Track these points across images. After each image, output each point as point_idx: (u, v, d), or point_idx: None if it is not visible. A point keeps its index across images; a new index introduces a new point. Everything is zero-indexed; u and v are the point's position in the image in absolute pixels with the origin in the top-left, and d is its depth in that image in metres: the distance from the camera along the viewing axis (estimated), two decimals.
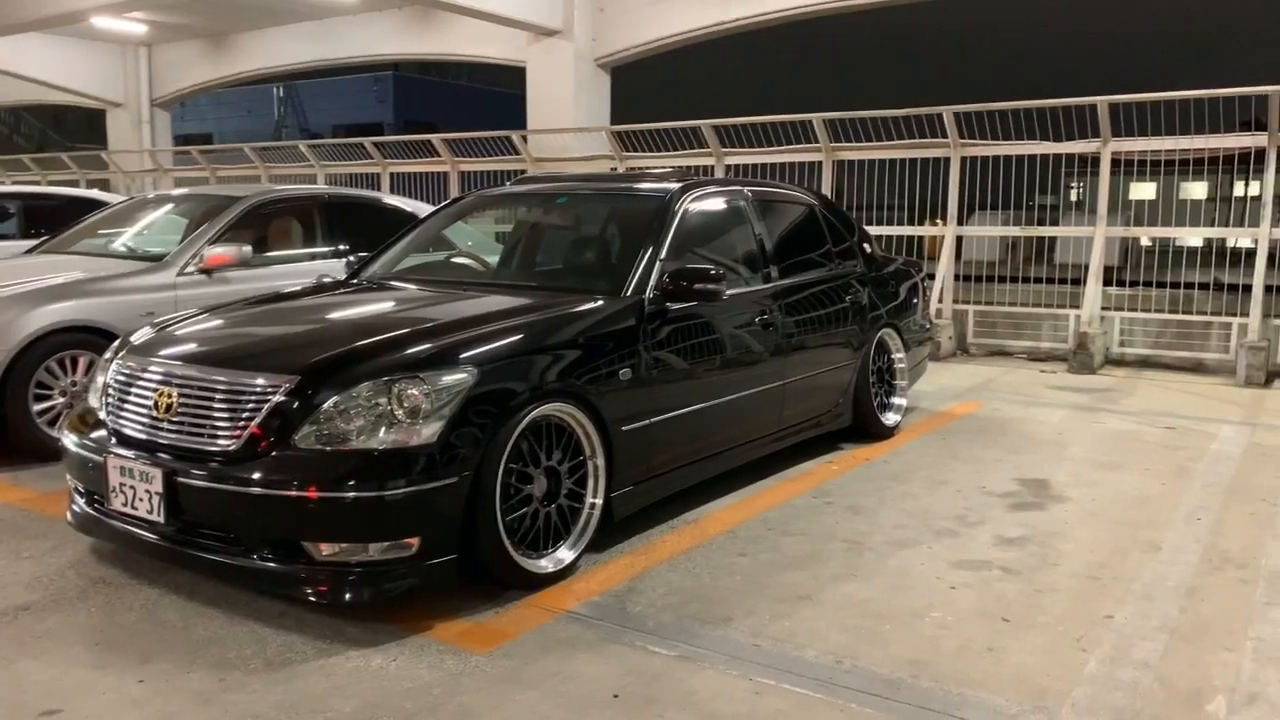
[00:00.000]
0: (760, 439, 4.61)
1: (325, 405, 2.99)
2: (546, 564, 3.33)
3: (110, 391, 3.44)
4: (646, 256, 3.99)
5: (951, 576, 3.51)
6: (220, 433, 3.05)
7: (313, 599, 2.96)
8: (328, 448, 2.95)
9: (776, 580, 3.45)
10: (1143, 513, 4.27)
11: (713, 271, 3.89)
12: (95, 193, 9.31)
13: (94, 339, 5.02)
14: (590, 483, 3.53)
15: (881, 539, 3.90)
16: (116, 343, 3.77)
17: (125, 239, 6.27)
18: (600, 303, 3.76)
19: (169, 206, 6.67)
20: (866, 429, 5.48)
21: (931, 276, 8.98)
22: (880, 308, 5.59)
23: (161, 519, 3.09)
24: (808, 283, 5.02)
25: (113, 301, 5.22)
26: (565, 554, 3.40)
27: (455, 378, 3.09)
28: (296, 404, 3.00)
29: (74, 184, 15.49)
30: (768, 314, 4.54)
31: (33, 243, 6.72)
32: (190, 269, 5.61)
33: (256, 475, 2.93)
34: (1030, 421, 6.16)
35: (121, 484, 3.20)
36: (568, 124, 12.31)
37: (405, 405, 3.01)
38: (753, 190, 4.91)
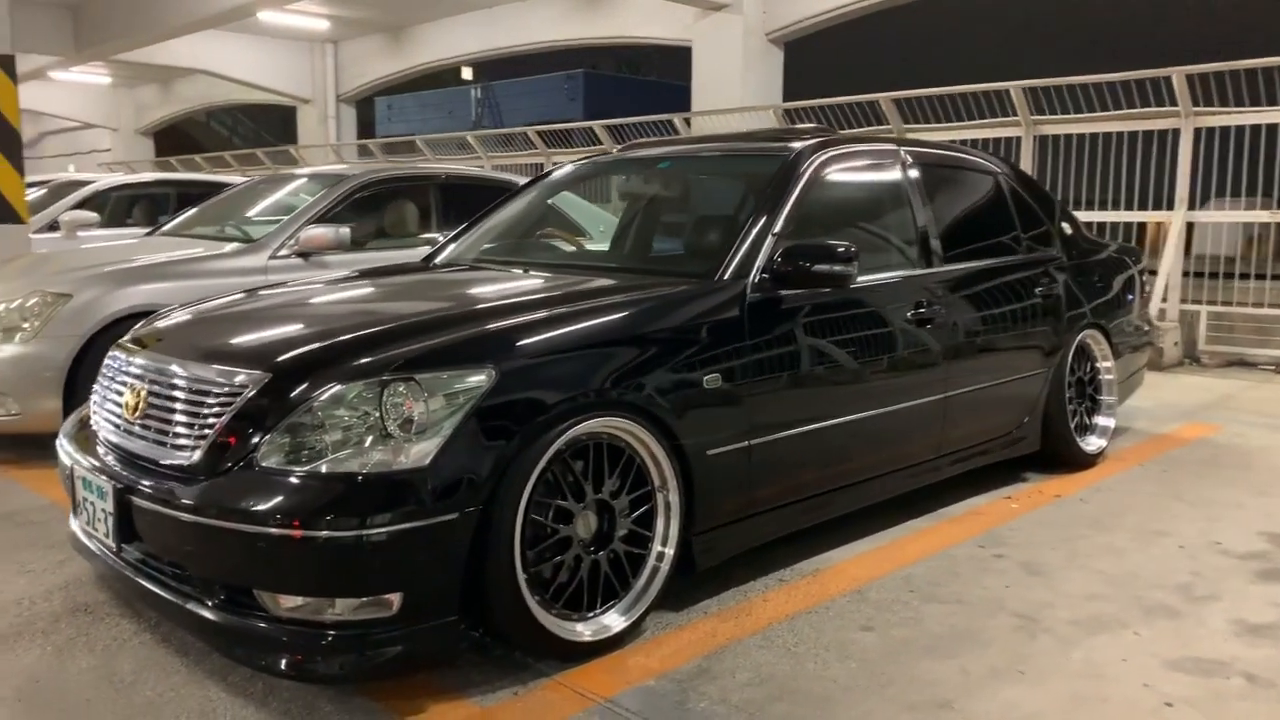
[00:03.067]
0: (911, 468, 3.61)
1: (298, 412, 2.29)
2: (585, 631, 2.50)
3: (98, 386, 2.91)
4: (756, 231, 3.09)
5: (1167, 684, 2.43)
6: (179, 442, 2.42)
7: (270, 669, 2.27)
8: (295, 467, 2.25)
9: (908, 672, 2.49)
10: None
11: (840, 249, 2.95)
12: (246, 179, 9.28)
13: None
14: (659, 523, 2.69)
15: (1066, 615, 2.84)
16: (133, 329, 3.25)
17: (236, 221, 5.93)
18: (685, 288, 2.91)
19: (289, 188, 6.31)
20: (1060, 455, 4.33)
21: (1153, 272, 7.53)
22: (1083, 304, 4.43)
23: (113, 544, 2.50)
24: (984, 270, 3.96)
25: (199, 285, 4.80)
26: (613, 619, 2.56)
27: (464, 380, 2.33)
28: (265, 408, 2.32)
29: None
30: (926, 307, 3.53)
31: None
32: (284, 251, 5.17)
33: (206, 499, 2.26)
34: None
35: (85, 499, 2.64)
36: (734, 104, 11.42)
37: (398, 415, 2.28)
38: (912, 153, 3.89)
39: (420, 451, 2.23)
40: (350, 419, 2.29)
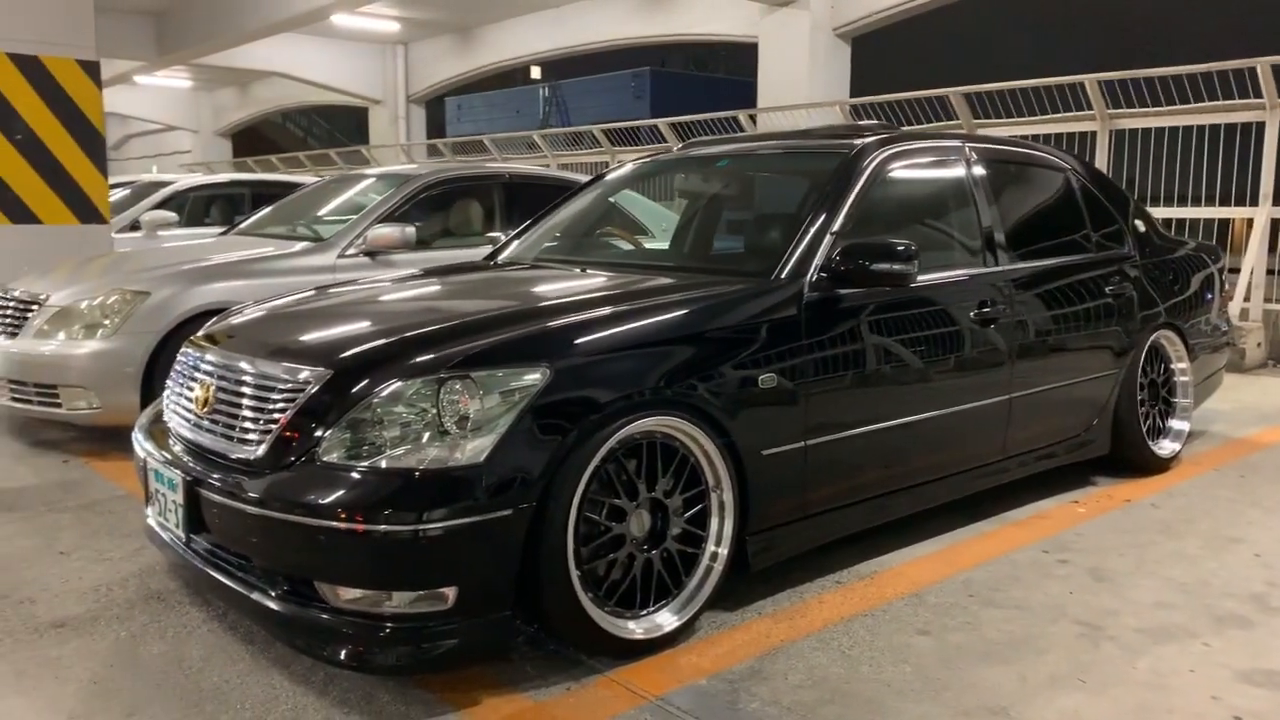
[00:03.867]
0: (974, 470, 3.55)
1: (359, 408, 2.35)
2: (636, 629, 2.52)
3: (170, 382, 3.01)
4: (814, 229, 3.06)
5: (1237, 697, 2.35)
6: (245, 436, 2.49)
7: (330, 659, 2.33)
8: (355, 462, 2.30)
9: (963, 677, 2.45)
10: None
11: (900, 248, 2.91)
12: (317, 179, 9.49)
13: None
14: (712, 523, 2.68)
15: (1132, 623, 2.77)
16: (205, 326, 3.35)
17: (307, 221, 6.07)
18: (739, 287, 2.90)
19: (358, 188, 6.44)
20: (1130, 459, 4.22)
21: (1235, 270, 7.26)
22: (1157, 304, 4.30)
23: (183, 534, 2.58)
24: (1051, 269, 3.87)
25: (269, 284, 4.92)
26: (666, 618, 2.57)
27: (520, 378, 2.36)
28: (327, 405, 2.38)
29: None
30: (990, 307, 3.46)
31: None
32: (352, 250, 5.28)
33: (270, 493, 2.33)
34: None
35: (157, 490, 2.74)
36: (801, 101, 11.33)
37: (454, 412, 2.31)
38: (976, 149, 3.82)
39: (476, 448, 2.27)
40: (408, 415, 2.33)
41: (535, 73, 37.60)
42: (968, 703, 2.32)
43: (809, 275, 2.95)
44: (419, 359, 2.41)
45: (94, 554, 3.35)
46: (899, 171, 3.46)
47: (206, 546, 2.59)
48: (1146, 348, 4.24)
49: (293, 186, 8.39)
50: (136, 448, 2.96)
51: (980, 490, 3.64)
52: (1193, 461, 4.49)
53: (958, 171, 3.69)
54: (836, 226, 3.08)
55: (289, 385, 2.46)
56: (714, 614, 2.77)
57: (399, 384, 2.35)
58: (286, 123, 32.55)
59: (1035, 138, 8.69)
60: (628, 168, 4.31)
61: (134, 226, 8.18)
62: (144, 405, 4.58)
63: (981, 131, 9.03)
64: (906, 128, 3.79)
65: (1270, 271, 7.71)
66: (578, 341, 2.50)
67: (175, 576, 3.11)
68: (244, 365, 2.62)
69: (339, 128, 33.90)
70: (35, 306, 4.80)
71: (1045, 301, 3.76)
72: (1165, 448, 4.37)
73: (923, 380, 3.24)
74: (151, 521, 2.92)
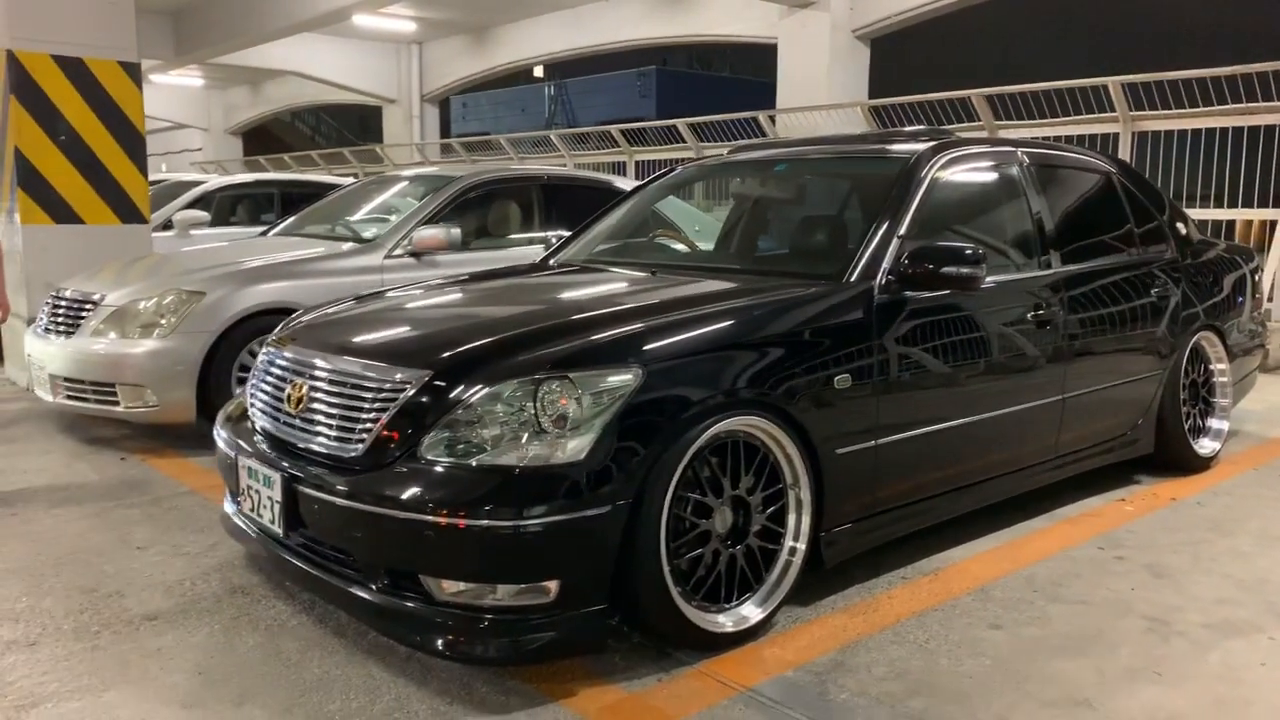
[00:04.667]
0: (1029, 468, 3.62)
1: (458, 408, 2.42)
2: (726, 621, 2.59)
3: (254, 380, 3.08)
4: (881, 233, 3.14)
5: None
6: (344, 435, 2.56)
7: (428, 649, 2.40)
8: (457, 461, 2.38)
9: (1042, 670, 2.53)
10: None
11: (968, 251, 2.99)
12: (344, 180, 9.57)
13: None
14: (791, 519, 2.76)
15: (1198, 618, 2.84)
16: (281, 325, 3.42)
17: (346, 221, 6.15)
18: (814, 290, 2.97)
19: (393, 189, 6.52)
20: (1173, 458, 4.29)
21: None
22: (1196, 305, 4.37)
23: (280, 530, 2.66)
24: (1100, 271, 3.94)
25: (319, 284, 5.01)
26: (751, 611, 2.65)
27: (614, 379, 2.43)
28: (426, 405, 2.45)
29: (353, 176, 16.46)
30: (1044, 309, 3.54)
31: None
32: (399, 251, 5.35)
33: (373, 489, 2.40)
34: None
35: (249, 486, 2.81)
36: (820, 102, 11.40)
37: (552, 411, 2.39)
38: (1029, 154, 3.89)
39: (575, 447, 2.34)
40: (506, 415, 2.40)
41: (538, 70, 37.67)
42: (1050, 694, 2.40)
43: (878, 278, 3.03)
44: (516, 360, 2.48)
45: (170, 549, 3.42)
46: (956, 176, 3.54)
47: (301, 541, 2.66)
48: (1188, 349, 4.32)
49: (323, 187, 8.47)
50: (221, 444, 3.04)
51: (1035, 488, 3.71)
52: (1230, 461, 4.57)
53: (1011, 176, 3.77)
54: (903, 230, 3.16)
55: (389, 386, 2.53)
56: (789, 610, 2.84)
57: (498, 384, 2.42)
58: (295, 121, 32.63)
59: (1058, 139, 8.78)
60: (679, 172, 4.39)
61: (166, 226, 8.25)
62: (199, 404, 4.67)
63: (1003, 133, 9.11)
64: (961, 136, 3.86)
65: None
66: (668, 343, 2.57)
67: (256, 570, 3.18)
68: (340, 366, 2.70)
69: (346, 125, 33.99)
70: (90, 306, 4.87)
71: (1096, 303, 3.83)
72: (1206, 447, 4.45)
73: (984, 381, 3.32)
74: (237, 518, 3.00)
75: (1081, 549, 3.41)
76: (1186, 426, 4.32)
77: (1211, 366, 4.57)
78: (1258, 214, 8.00)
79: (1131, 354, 4.02)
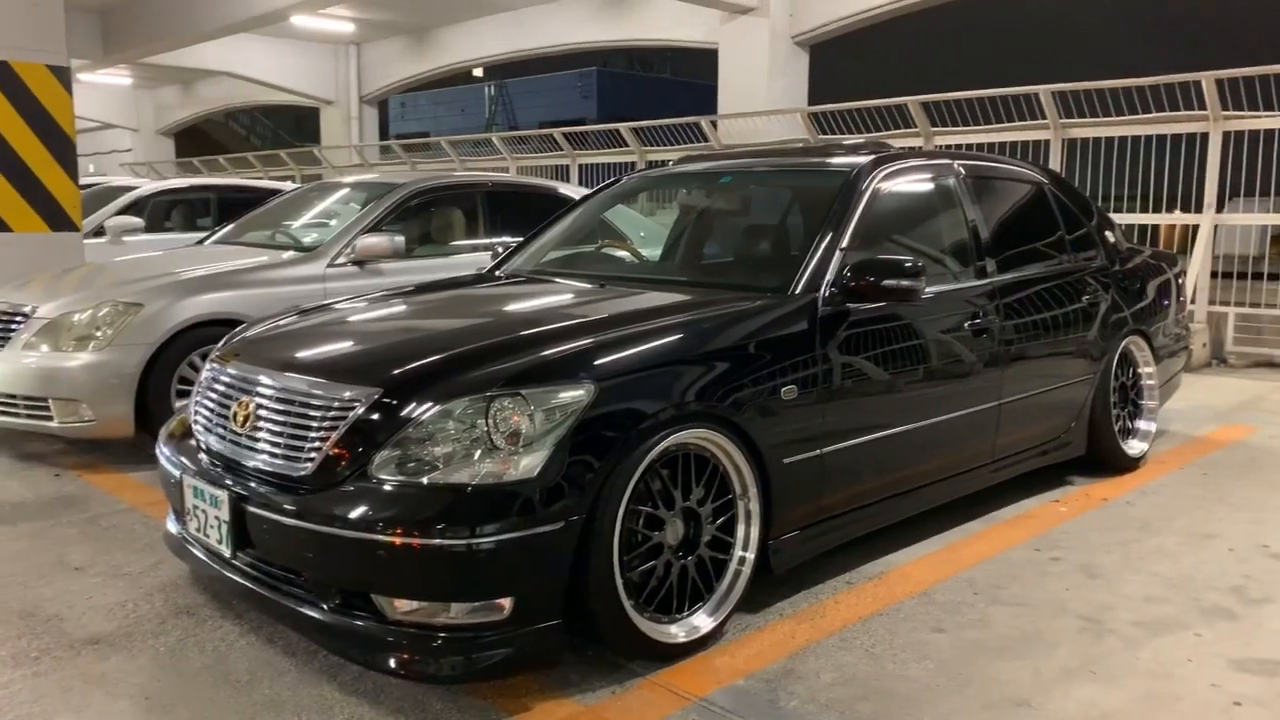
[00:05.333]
0: (967, 472, 3.73)
1: (409, 426, 2.42)
2: (678, 632, 2.64)
3: (198, 397, 3.04)
4: (824, 246, 3.21)
5: (1234, 684, 2.55)
6: (293, 454, 2.54)
7: (381, 668, 2.40)
8: (408, 479, 2.38)
9: (984, 672, 2.61)
10: None
11: (908, 264, 3.07)
12: (285, 185, 9.42)
13: None
14: (740, 529, 2.81)
15: (1129, 617, 2.96)
16: (224, 339, 3.38)
17: (287, 229, 6.07)
18: (760, 303, 3.02)
19: (335, 196, 6.45)
20: (1104, 459, 4.44)
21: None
22: (1125, 310, 4.53)
23: (228, 550, 2.63)
24: (1033, 279, 4.07)
25: (260, 294, 4.95)
26: (703, 620, 2.69)
27: (567, 395, 2.45)
28: (377, 423, 2.45)
29: (290, 179, 16.18)
30: (981, 317, 3.65)
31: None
32: (342, 260, 5.30)
33: (324, 509, 2.39)
34: None
35: (195, 506, 2.77)
36: (761, 108, 11.52)
37: (505, 429, 2.40)
38: (965, 165, 4.00)
39: (528, 464, 2.36)
40: (458, 433, 2.41)
41: (477, 70, 37.45)
42: (992, 696, 2.48)
43: (822, 290, 3.09)
44: (468, 376, 2.49)
45: (111, 569, 3.36)
46: (896, 189, 3.62)
47: (249, 561, 2.64)
48: (1118, 353, 4.47)
49: (263, 192, 8.33)
50: (165, 463, 2.99)
51: (971, 492, 3.82)
52: (1158, 460, 4.74)
53: (948, 187, 3.87)
54: (845, 243, 3.23)
55: (337, 404, 2.52)
56: (738, 617, 2.89)
57: (450, 402, 2.43)
58: (229, 121, 31.96)
59: (991, 146, 9.01)
60: (626, 182, 4.42)
61: (97, 232, 8.05)
62: (137, 418, 4.57)
63: (938, 139, 9.32)
64: (900, 149, 3.95)
65: (1213, 275, 8.09)
66: (620, 358, 2.60)
67: (201, 590, 3.14)
68: (287, 383, 2.68)
69: (282, 126, 33.39)
70: (20, 319, 4.75)
71: (1031, 311, 3.95)
72: (1135, 447, 4.61)
73: (924, 388, 3.41)
74: (176, 534, 2.96)
75: (1018, 550, 3.52)
76: (1116, 428, 4.48)
77: (1140, 370, 4.73)
78: (1179, 219, 8.30)
79: (1064, 359, 4.15)
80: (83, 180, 10.32)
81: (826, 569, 3.27)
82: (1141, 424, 4.71)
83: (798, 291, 3.08)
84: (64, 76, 6.27)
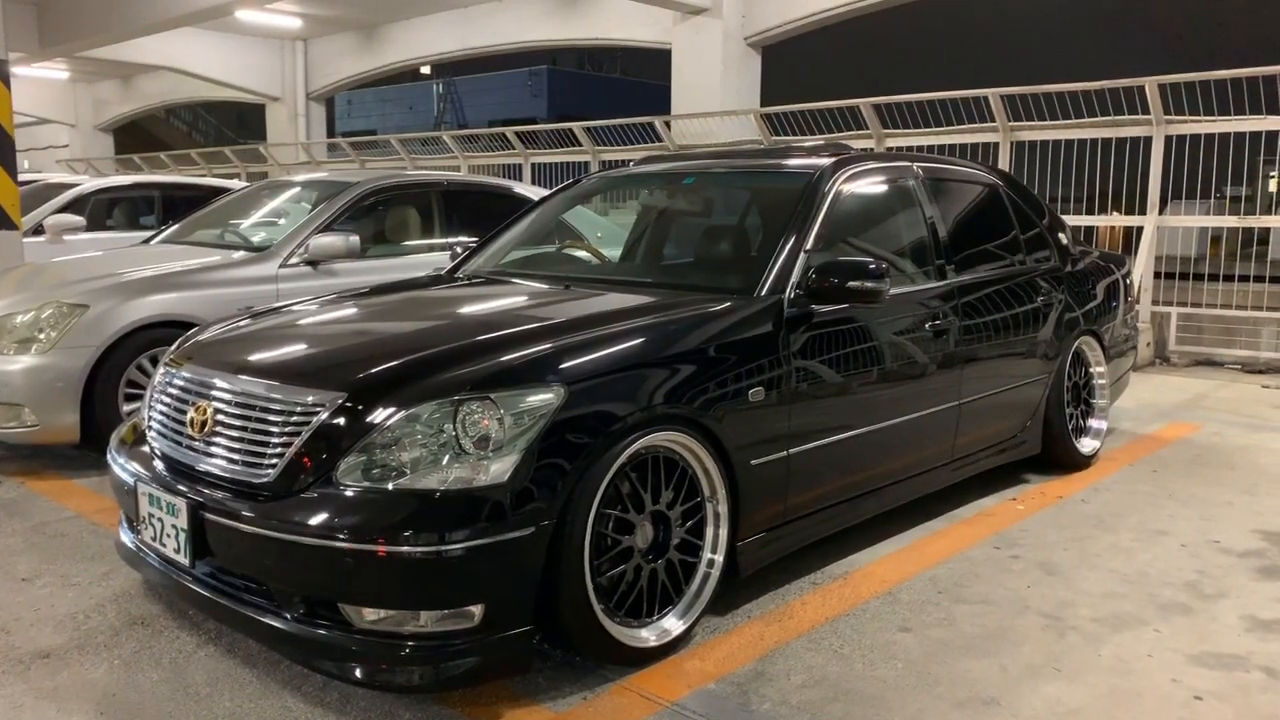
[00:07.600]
0: (928, 471, 3.76)
1: (375, 431, 2.37)
2: (649, 636, 2.62)
3: (151, 402, 2.95)
4: (788, 248, 3.21)
5: (1193, 679, 2.60)
6: (254, 460, 2.48)
7: (348, 678, 2.35)
8: (375, 485, 2.33)
9: (951, 670, 2.63)
10: None
11: (872, 266, 3.08)
12: (233, 183, 9.23)
13: None
14: (709, 531, 2.81)
15: (1088, 614, 3.01)
16: (177, 342, 3.28)
17: (237, 228, 5.94)
18: (727, 304, 3.02)
19: (286, 194, 6.33)
20: (1058, 458, 4.52)
21: None
22: (1077, 310, 4.61)
23: (187, 559, 2.56)
24: (990, 280, 4.12)
25: (211, 295, 4.83)
26: (673, 624, 2.68)
27: (536, 398, 2.42)
28: (342, 428, 2.40)
29: (235, 176, 15.86)
30: (940, 319, 3.68)
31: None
32: (294, 260, 5.20)
33: (288, 516, 2.34)
34: (1261, 450, 5.03)
35: (151, 514, 2.69)
36: (714, 108, 11.56)
37: (473, 433, 2.37)
38: (923, 167, 4.04)
39: (498, 469, 2.32)
40: (426, 437, 2.37)
41: (425, 68, 37.09)
42: (960, 694, 2.50)
43: (787, 292, 3.10)
44: (435, 380, 2.45)
45: (59, 579, 3.25)
46: (858, 190, 3.64)
47: (209, 570, 2.57)
48: (1071, 352, 4.55)
49: (209, 190, 8.15)
50: (118, 470, 2.90)
51: (932, 491, 3.86)
52: (1109, 458, 4.83)
53: (908, 189, 3.90)
54: (809, 244, 3.24)
55: (300, 409, 2.46)
56: (707, 620, 2.88)
57: (416, 406, 2.39)
58: (170, 118, 31.25)
59: (942, 148, 9.13)
60: (587, 182, 4.39)
61: (36, 231, 7.80)
62: (84, 423, 4.44)
63: (890, 141, 9.42)
64: (860, 151, 3.97)
65: (1156, 275, 8.28)
66: (589, 360, 2.58)
67: (156, 600, 3.05)
68: (246, 388, 2.61)
69: (225, 123, 32.75)
70: None
71: (988, 311, 4.00)
72: (1087, 446, 4.70)
73: (888, 389, 3.43)
74: (129, 544, 2.88)
75: (979, 549, 3.56)
76: (1070, 427, 4.56)
77: (1091, 369, 4.82)
78: (1124, 220, 8.49)
79: (1021, 359, 4.22)
80: (20, 177, 10.02)
81: (792, 570, 3.27)
82: (1093, 422, 4.80)
83: (763, 293, 3.09)
84: (1, 71, 6.06)
